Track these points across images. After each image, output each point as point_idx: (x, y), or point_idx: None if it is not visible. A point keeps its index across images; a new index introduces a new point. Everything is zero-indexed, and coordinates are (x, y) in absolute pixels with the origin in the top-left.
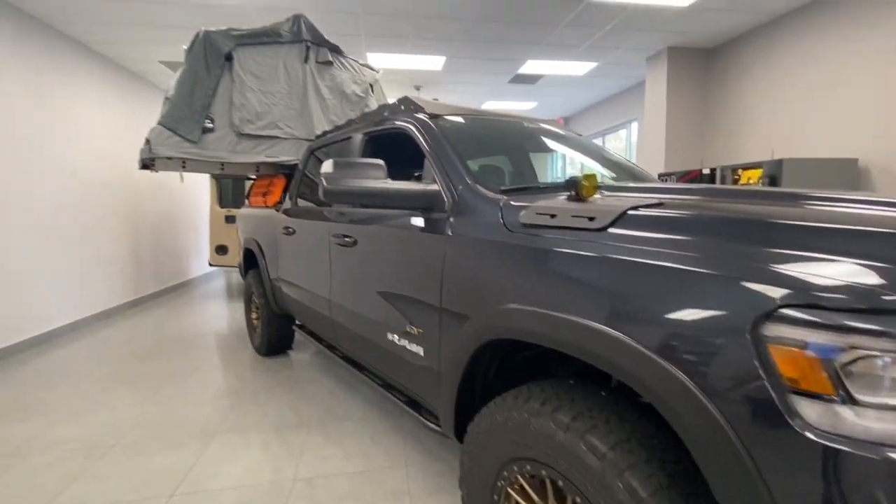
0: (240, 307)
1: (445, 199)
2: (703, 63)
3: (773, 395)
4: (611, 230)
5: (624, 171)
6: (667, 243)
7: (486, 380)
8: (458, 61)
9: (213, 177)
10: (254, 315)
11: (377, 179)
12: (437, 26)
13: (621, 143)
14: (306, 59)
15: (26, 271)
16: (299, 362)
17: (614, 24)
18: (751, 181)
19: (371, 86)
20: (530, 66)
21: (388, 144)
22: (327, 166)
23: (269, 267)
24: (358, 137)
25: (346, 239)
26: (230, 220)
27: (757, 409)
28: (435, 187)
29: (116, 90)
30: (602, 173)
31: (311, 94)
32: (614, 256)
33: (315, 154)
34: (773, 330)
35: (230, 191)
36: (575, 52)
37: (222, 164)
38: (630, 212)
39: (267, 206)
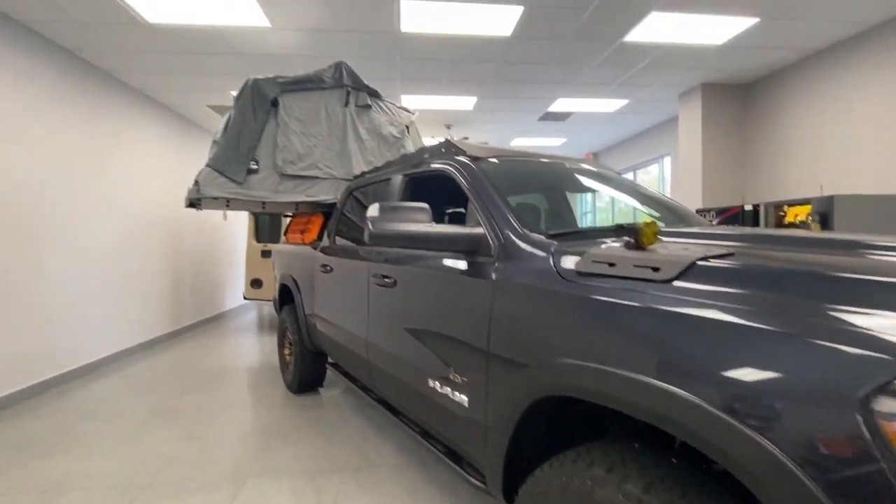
0: (270, 341)
1: (491, 243)
2: (738, 98)
3: (892, 479)
4: (679, 283)
5: (667, 210)
6: (746, 299)
7: (537, 436)
8: (488, 101)
9: (252, 213)
10: (286, 351)
11: (422, 223)
12: (469, 69)
13: (649, 176)
14: (346, 103)
15: (75, 304)
16: (330, 400)
17: (647, 62)
18: (798, 218)
19: (407, 127)
20: (560, 105)
21: (427, 186)
22: (373, 210)
23: (304, 304)
24: (398, 179)
25: (386, 279)
26: (266, 254)
27: (868, 492)
28: (480, 231)
29: (166, 132)
30: (646, 213)
31: (351, 135)
32: (687, 312)
33: (354, 194)
34: (888, 405)
35: (267, 226)
36: (606, 90)
37: (264, 203)
38: (700, 263)
39: (304, 244)
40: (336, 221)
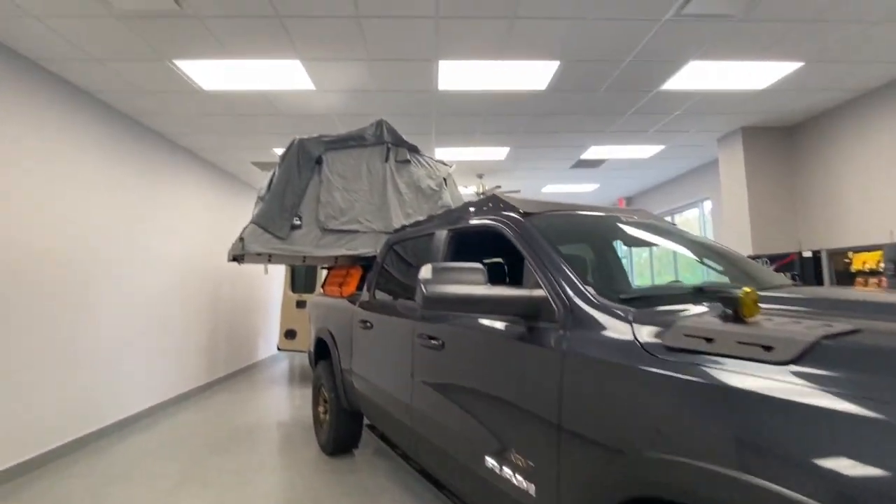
0: (301, 394)
1: (555, 307)
2: (782, 141)
3: None
4: (800, 367)
5: (732, 265)
6: (890, 391)
7: None
8: (521, 150)
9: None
10: (321, 409)
11: (478, 284)
12: (503, 121)
13: (686, 220)
14: (387, 159)
15: (117, 357)
16: (366, 463)
17: (683, 109)
18: (867, 265)
19: (444, 180)
20: (594, 152)
21: (472, 241)
22: (426, 272)
23: (341, 360)
24: (442, 234)
25: (433, 341)
26: (301, 304)
27: None
28: (541, 293)
29: (210, 187)
30: (711, 267)
31: (390, 190)
32: (819, 405)
33: (394, 248)
34: None
35: (303, 276)
36: (641, 136)
37: (304, 257)
38: (825, 342)
39: (342, 297)
40: (376, 275)
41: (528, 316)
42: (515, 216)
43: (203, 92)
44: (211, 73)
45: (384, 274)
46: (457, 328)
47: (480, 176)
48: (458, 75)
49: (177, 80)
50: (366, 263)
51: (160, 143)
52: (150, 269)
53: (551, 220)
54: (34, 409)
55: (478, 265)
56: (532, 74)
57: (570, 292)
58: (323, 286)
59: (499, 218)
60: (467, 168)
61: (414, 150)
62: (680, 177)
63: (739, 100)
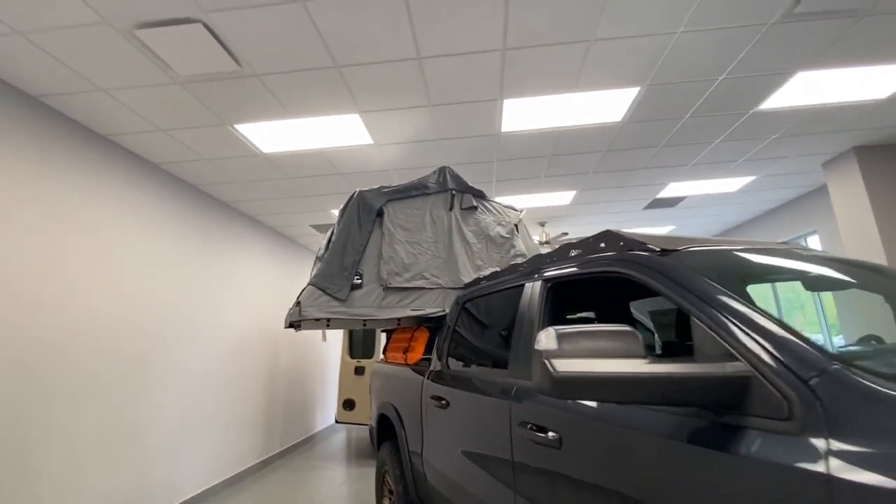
0: (360, 473)
1: (777, 392)
2: None
3: None
4: None
5: None
6: None
7: None
8: (588, 193)
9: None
10: (386, 502)
11: (636, 358)
12: (570, 162)
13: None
14: (451, 207)
15: (176, 437)
16: None
17: (783, 131)
18: None
19: (515, 226)
20: (672, 189)
21: (578, 293)
22: (547, 340)
23: (409, 442)
24: (533, 287)
25: (544, 435)
26: (359, 371)
27: None
28: (741, 369)
29: (269, 253)
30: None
31: (457, 240)
32: None
33: (466, 306)
34: None
35: (361, 340)
36: (728, 168)
37: (365, 320)
38: None
39: (408, 364)
40: (447, 340)
41: (723, 406)
42: (652, 255)
43: (262, 155)
44: (270, 136)
45: (457, 337)
46: (583, 418)
47: (543, 224)
48: (523, 114)
49: (237, 145)
50: (433, 325)
51: (220, 209)
52: (207, 341)
53: (710, 259)
54: (94, 490)
55: (627, 327)
56: (606, 105)
57: (807, 368)
58: (384, 352)
59: (626, 259)
60: (529, 216)
61: (480, 195)
62: (775, 210)
63: (855, 114)
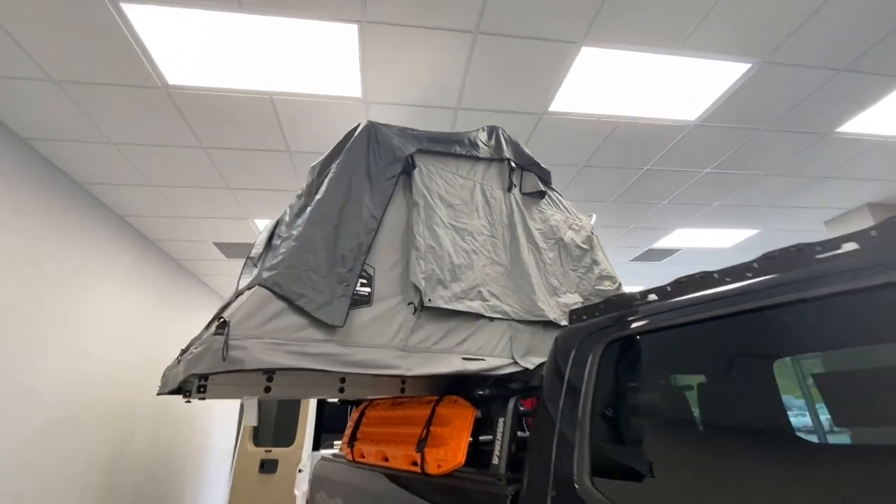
0: None
1: None
2: None
3: None
4: None
5: None
6: None
7: None
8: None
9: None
10: None
11: None
12: (599, 179)
13: None
14: (510, 187)
15: None
16: None
17: (836, 164)
18: None
19: (592, 235)
20: (672, 239)
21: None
22: None
23: None
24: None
25: None
26: (268, 467)
27: None
28: None
29: (137, 276)
30: None
31: (523, 240)
32: None
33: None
34: None
35: (273, 415)
36: (747, 214)
37: (343, 378)
38: None
39: (426, 475)
40: (582, 425)
41: None
42: None
43: (163, 87)
44: (186, 46)
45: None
46: None
47: None
48: (590, 83)
49: (121, 57)
50: (486, 396)
51: (55, 186)
52: (21, 404)
53: None
54: None
55: None
56: (697, 87)
57: None
58: (350, 438)
59: None
60: None
61: (546, 179)
62: None
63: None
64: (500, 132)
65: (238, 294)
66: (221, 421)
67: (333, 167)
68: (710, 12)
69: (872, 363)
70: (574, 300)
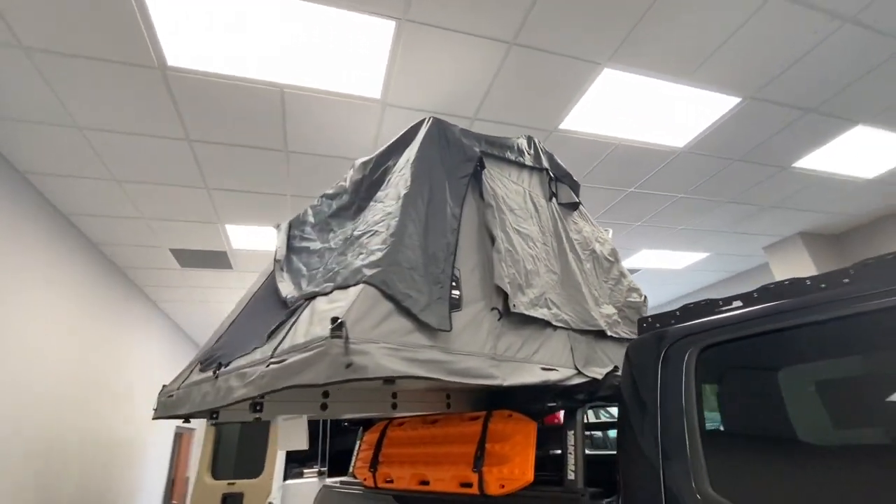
0: None
1: None
2: (830, 248)
3: None
4: None
5: None
6: None
7: None
8: None
9: (212, 420)
10: None
11: None
12: (590, 196)
13: None
14: (551, 196)
15: None
16: None
17: (786, 196)
18: None
19: (614, 249)
20: (638, 259)
21: None
22: None
23: None
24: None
25: None
26: (232, 503)
27: None
28: None
29: (76, 286)
30: None
31: (567, 249)
32: None
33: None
34: None
35: (235, 444)
36: (702, 238)
37: (395, 394)
38: None
39: (488, 497)
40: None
41: None
42: None
43: (161, 67)
44: (193, 25)
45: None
46: None
47: None
48: (601, 105)
49: (108, 24)
50: (546, 410)
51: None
52: None
53: None
54: None
55: None
56: (688, 117)
57: None
58: (371, 463)
59: None
60: None
61: (577, 191)
62: (706, 288)
63: (850, 188)
64: (537, 142)
65: (361, 282)
66: (162, 447)
67: (402, 162)
68: (723, 46)
69: None
70: (611, 311)
